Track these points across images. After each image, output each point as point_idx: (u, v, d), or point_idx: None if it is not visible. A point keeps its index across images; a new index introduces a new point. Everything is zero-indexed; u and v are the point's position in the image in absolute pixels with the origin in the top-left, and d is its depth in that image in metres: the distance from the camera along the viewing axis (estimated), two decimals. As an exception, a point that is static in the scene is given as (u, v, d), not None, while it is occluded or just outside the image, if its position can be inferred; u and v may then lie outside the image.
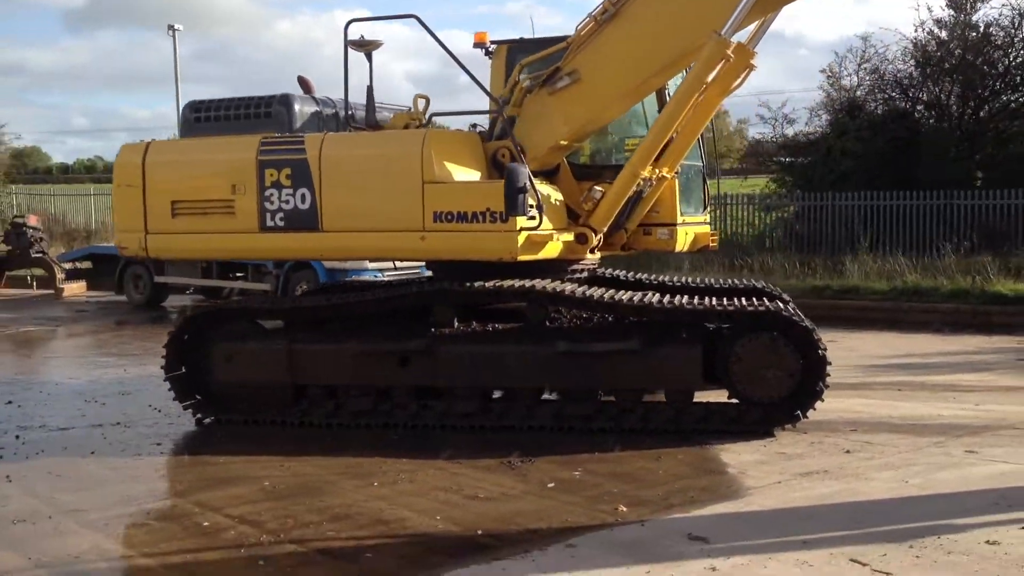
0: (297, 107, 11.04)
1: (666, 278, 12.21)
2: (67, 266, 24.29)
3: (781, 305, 9.68)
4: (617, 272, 12.22)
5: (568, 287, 9.80)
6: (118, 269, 21.73)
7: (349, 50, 10.39)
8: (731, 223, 26.48)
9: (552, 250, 10.03)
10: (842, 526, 6.82)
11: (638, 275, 12.28)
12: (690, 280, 12.12)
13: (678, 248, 11.38)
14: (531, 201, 9.50)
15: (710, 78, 10.00)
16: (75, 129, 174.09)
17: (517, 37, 11.27)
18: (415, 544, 6.61)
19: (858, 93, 28.80)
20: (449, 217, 9.70)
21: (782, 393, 9.44)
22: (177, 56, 30.59)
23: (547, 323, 10.18)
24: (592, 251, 10.57)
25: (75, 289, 23.95)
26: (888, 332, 16.47)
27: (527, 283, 9.75)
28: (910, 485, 7.71)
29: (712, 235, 11.98)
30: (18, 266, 25.06)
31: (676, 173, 11.06)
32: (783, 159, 30.48)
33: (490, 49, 11.32)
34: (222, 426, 10.20)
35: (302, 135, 10.45)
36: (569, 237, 10.23)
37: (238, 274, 20.33)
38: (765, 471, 8.16)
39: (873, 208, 22.92)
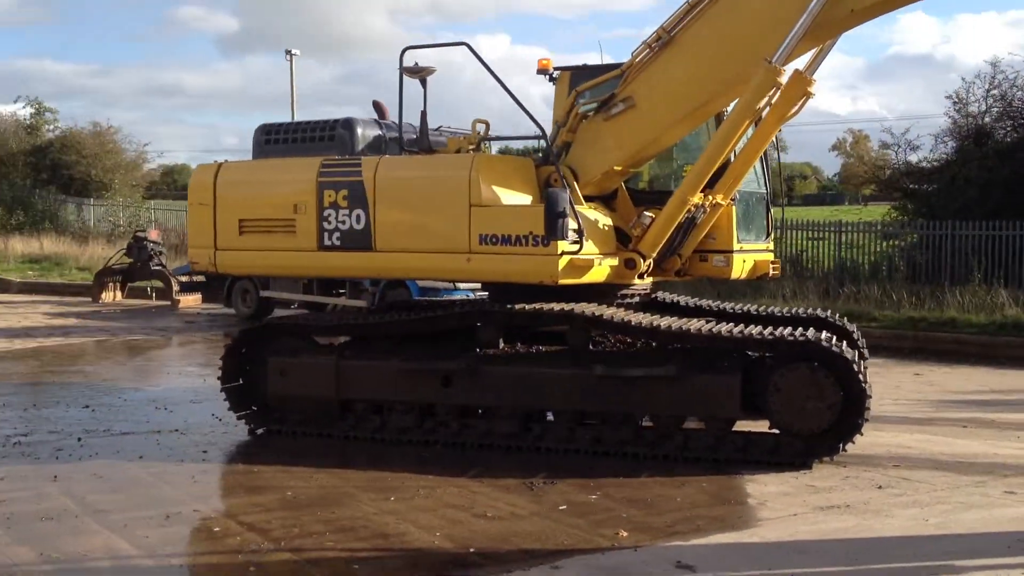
0: (360, 131, 11.35)
1: (728, 305, 12.16)
2: (183, 279, 25.14)
3: (824, 336, 9.53)
4: (680, 298, 12.22)
5: (608, 311, 9.84)
6: (227, 283, 22.42)
7: (405, 76, 10.66)
8: (846, 250, 25.81)
9: (598, 274, 10.08)
10: (840, 562, 6.75)
11: (701, 302, 12.24)
12: (753, 308, 12.02)
13: (734, 275, 11.29)
14: (572, 225, 9.59)
15: (761, 105, 9.97)
16: (225, 148, 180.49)
17: (580, 64, 11.39)
18: (405, 558, 6.76)
19: (986, 120, 27.98)
20: (494, 240, 9.84)
21: (822, 425, 9.29)
22: (293, 78, 31.46)
23: (591, 347, 10.24)
24: (641, 276, 10.56)
25: (190, 301, 24.78)
26: (982, 367, 15.96)
27: (567, 306, 9.83)
28: (929, 524, 7.55)
29: (774, 263, 11.83)
30: (139, 278, 26.04)
31: (733, 200, 11.01)
32: (906, 186, 29.77)
33: (554, 75, 11.46)
34: (273, 437, 10.51)
35: (359, 158, 10.74)
36: (616, 262, 10.26)
37: (340, 290, 20.79)
38: (785, 503, 8.08)
39: (996, 238, 22.01)
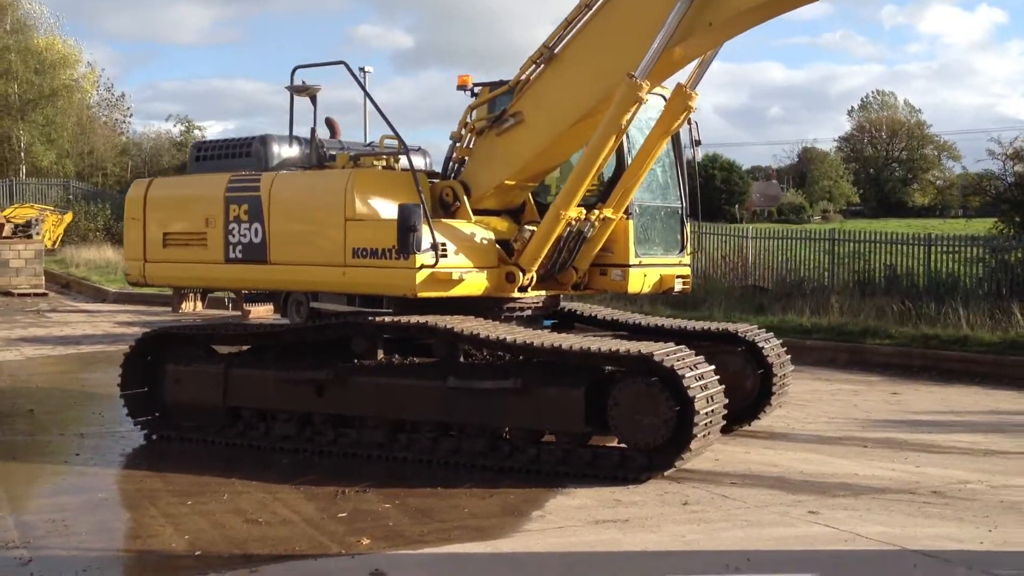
0: (275, 148, 11.69)
1: (648, 319, 12.10)
2: (255, 289, 26.00)
3: (662, 349, 9.38)
4: (601, 311, 12.23)
5: (462, 324, 9.92)
6: (283, 295, 23.15)
7: (295, 95, 11.05)
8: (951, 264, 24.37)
9: (470, 288, 10.21)
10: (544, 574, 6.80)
11: (618, 315, 12.21)
12: (664, 323, 11.91)
13: (631, 290, 11.24)
14: (430, 240, 9.74)
15: (625, 120, 9.94)
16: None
17: (498, 80, 11.52)
18: (128, 560, 7.13)
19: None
20: (364, 253, 10.10)
21: (658, 440, 9.22)
22: (367, 95, 32.03)
23: (461, 360, 10.38)
24: (524, 289, 10.61)
25: (261, 312, 25.55)
26: (983, 387, 15.29)
27: (424, 319, 9.98)
28: (683, 540, 7.47)
29: (683, 278, 11.69)
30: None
31: (629, 214, 10.99)
32: (1014, 198, 28.46)
33: (475, 91, 11.64)
34: (167, 443, 10.97)
35: (260, 174, 11.11)
36: (492, 275, 10.34)
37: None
38: (567, 516, 8.08)
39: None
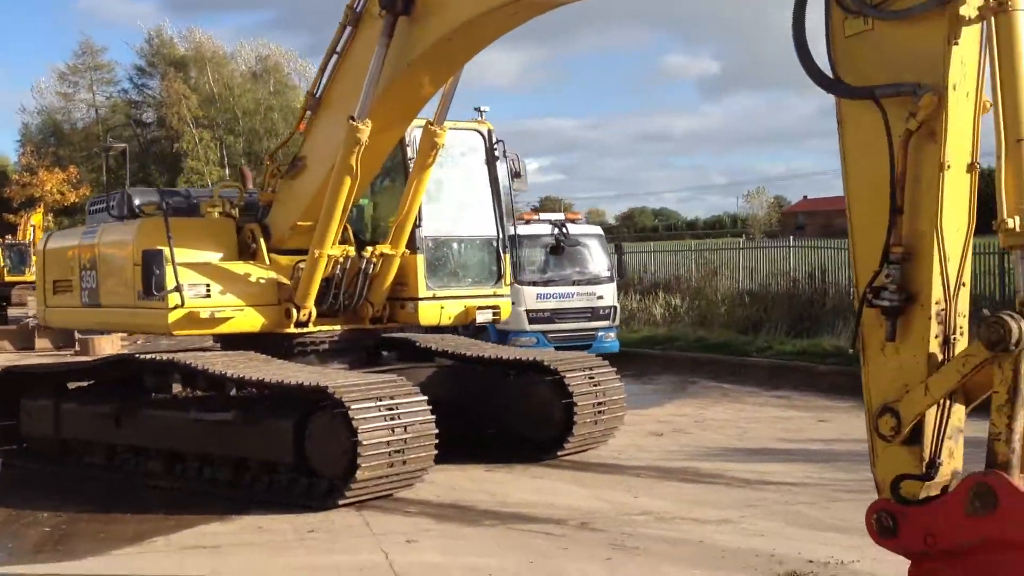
0: (136, 200, 12.67)
1: (471, 350, 12.10)
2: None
3: (341, 382, 9.51)
4: (432, 344, 12.31)
5: (187, 358, 10.43)
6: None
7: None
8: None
9: (242, 325, 10.77)
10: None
11: (448, 345, 12.26)
12: (488, 354, 11.88)
13: (424, 322, 11.51)
14: (175, 282, 10.38)
15: (354, 161, 10.13)
16: (713, 185, 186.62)
17: None
18: None
19: None
20: (142, 295, 10.89)
21: (338, 471, 9.41)
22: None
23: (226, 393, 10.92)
24: (303, 325, 10.99)
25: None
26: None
27: (165, 355, 10.67)
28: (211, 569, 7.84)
29: (492, 308, 11.73)
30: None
31: (416, 249, 11.26)
32: None
33: None
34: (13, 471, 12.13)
35: (99, 225, 12.13)
36: (259, 312, 10.85)
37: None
38: (176, 543, 8.61)
39: None
